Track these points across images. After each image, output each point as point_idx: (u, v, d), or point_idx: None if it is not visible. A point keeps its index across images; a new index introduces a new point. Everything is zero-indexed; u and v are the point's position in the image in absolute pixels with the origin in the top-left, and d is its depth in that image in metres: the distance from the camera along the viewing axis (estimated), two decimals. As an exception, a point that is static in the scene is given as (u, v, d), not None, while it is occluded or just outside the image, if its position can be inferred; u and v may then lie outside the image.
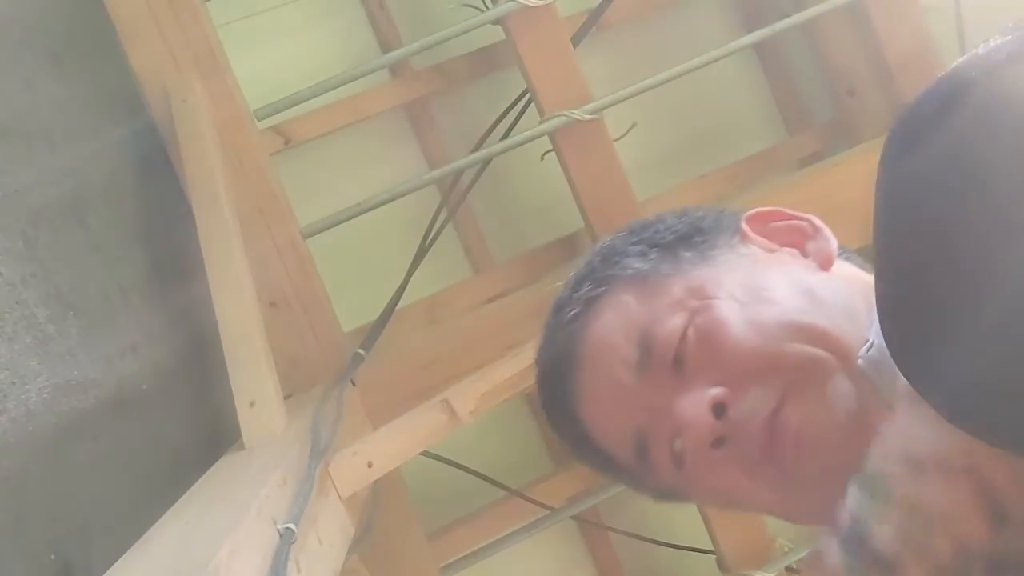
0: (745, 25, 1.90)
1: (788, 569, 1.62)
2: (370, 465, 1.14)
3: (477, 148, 1.66)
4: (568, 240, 1.79)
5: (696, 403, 0.63)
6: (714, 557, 1.60)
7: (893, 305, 0.43)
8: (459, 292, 1.75)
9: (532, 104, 1.55)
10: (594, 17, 1.69)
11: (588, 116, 1.47)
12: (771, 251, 0.70)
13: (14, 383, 0.76)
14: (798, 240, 0.71)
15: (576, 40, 1.63)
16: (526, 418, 1.79)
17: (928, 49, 1.64)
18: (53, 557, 0.75)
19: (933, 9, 1.67)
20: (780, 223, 0.73)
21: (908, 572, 0.44)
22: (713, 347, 0.64)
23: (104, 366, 0.95)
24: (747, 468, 0.64)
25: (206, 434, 1.18)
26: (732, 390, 0.63)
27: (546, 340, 0.76)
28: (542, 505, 1.61)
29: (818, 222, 0.73)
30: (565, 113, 1.47)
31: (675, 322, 0.66)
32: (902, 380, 0.55)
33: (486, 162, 1.65)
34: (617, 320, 0.69)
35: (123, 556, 0.79)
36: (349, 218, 1.47)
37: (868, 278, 0.69)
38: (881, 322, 0.44)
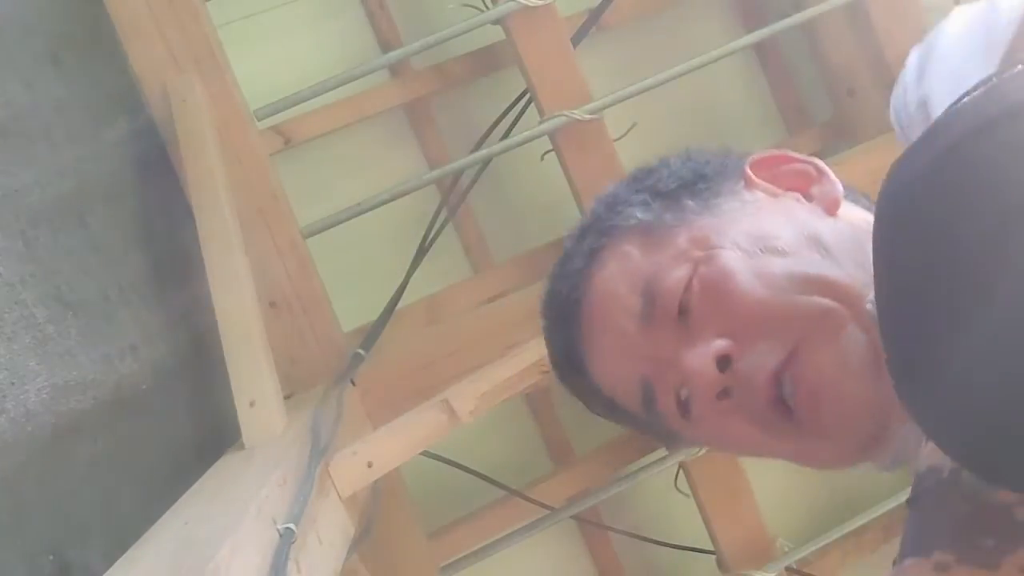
0: (745, 25, 1.90)
1: (788, 569, 1.61)
2: (370, 465, 1.14)
3: (477, 148, 1.66)
4: (568, 240, 1.78)
5: (701, 355, 0.63)
6: (714, 557, 1.60)
7: (892, 329, 0.43)
8: (459, 292, 1.74)
9: (532, 104, 1.55)
10: (594, 17, 1.69)
11: (588, 116, 1.47)
12: (776, 196, 0.69)
13: (13, 383, 0.76)
14: (803, 184, 0.71)
15: (576, 40, 1.63)
16: (526, 418, 1.79)
17: (928, 49, 1.64)
18: (51, 557, 0.75)
19: (933, 9, 1.67)
20: (784, 167, 0.72)
21: None
22: (718, 299, 0.63)
23: (104, 366, 0.95)
24: (755, 418, 0.63)
25: (206, 434, 1.17)
26: (738, 342, 0.62)
27: (551, 292, 0.76)
28: (542, 505, 1.61)
29: (822, 165, 0.72)
30: (565, 113, 1.47)
31: (679, 273, 0.65)
32: None
33: (486, 162, 1.65)
34: (621, 271, 0.69)
35: (123, 556, 0.79)
36: (349, 218, 1.47)
37: None
38: (883, 342, 0.43)
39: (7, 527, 0.72)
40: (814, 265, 0.62)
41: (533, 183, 1.78)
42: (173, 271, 1.25)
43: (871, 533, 1.63)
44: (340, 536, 1.07)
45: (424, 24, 1.72)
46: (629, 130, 1.62)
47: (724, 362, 0.62)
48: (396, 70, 1.75)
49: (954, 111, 0.41)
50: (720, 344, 0.62)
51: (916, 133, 0.52)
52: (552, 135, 1.50)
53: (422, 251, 1.65)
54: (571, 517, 1.68)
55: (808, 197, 0.70)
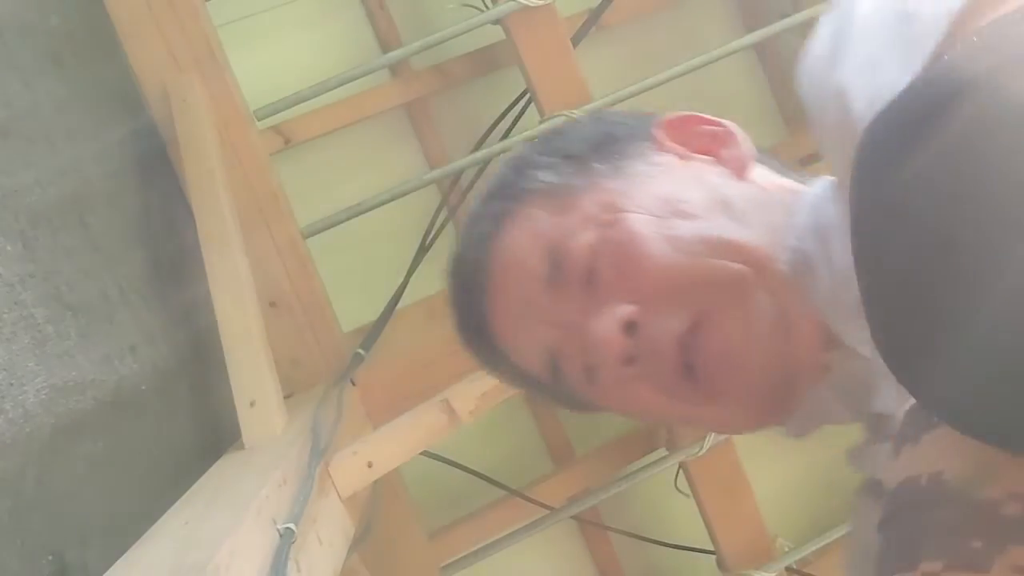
0: (745, 25, 1.90)
1: (788, 569, 1.61)
2: (370, 465, 1.14)
3: (477, 148, 1.66)
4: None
5: (607, 321, 0.61)
6: (714, 557, 1.60)
7: (888, 317, 0.42)
8: (459, 292, 1.74)
9: (532, 104, 1.55)
10: (594, 17, 1.69)
11: (588, 116, 1.47)
12: (686, 159, 0.68)
13: (12, 384, 0.76)
14: (713, 147, 0.69)
15: (576, 40, 1.63)
16: (526, 418, 1.79)
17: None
18: (50, 558, 0.75)
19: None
20: (695, 129, 0.71)
21: None
22: (625, 263, 0.62)
23: (103, 366, 0.95)
24: (662, 384, 0.62)
25: (206, 434, 1.17)
26: (644, 308, 0.61)
27: (457, 257, 0.74)
28: (542, 505, 1.61)
29: (732, 126, 0.71)
30: (565, 113, 1.47)
31: (586, 237, 0.64)
32: (838, 290, 0.54)
33: (486, 162, 1.65)
34: (527, 235, 0.67)
35: (123, 556, 0.79)
36: (349, 218, 1.47)
37: (786, 183, 0.68)
38: (874, 334, 0.42)
39: (6, 528, 0.72)
40: (723, 229, 0.61)
41: (533, 183, 1.78)
42: (173, 271, 1.25)
43: (871, 533, 1.63)
44: (340, 536, 1.07)
45: (424, 24, 1.73)
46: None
47: (630, 328, 0.61)
48: (396, 70, 1.75)
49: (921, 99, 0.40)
50: (626, 310, 0.61)
51: (831, 121, 0.52)
52: (552, 135, 1.50)
53: (422, 251, 1.65)
54: (571, 517, 1.68)
55: (719, 160, 0.68)
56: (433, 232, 1.66)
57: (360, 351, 1.39)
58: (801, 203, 0.64)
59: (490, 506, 1.65)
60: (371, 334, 1.47)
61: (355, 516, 1.16)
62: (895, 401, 0.61)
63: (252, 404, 1.11)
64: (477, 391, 1.20)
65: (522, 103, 1.66)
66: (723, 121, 0.71)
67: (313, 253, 1.41)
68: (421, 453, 1.28)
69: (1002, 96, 0.36)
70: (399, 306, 1.57)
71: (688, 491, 1.59)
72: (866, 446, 0.66)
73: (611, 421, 1.74)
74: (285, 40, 1.70)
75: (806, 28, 1.80)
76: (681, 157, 0.68)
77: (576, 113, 1.47)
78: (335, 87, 1.50)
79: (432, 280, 1.74)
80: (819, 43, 0.59)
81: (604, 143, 0.69)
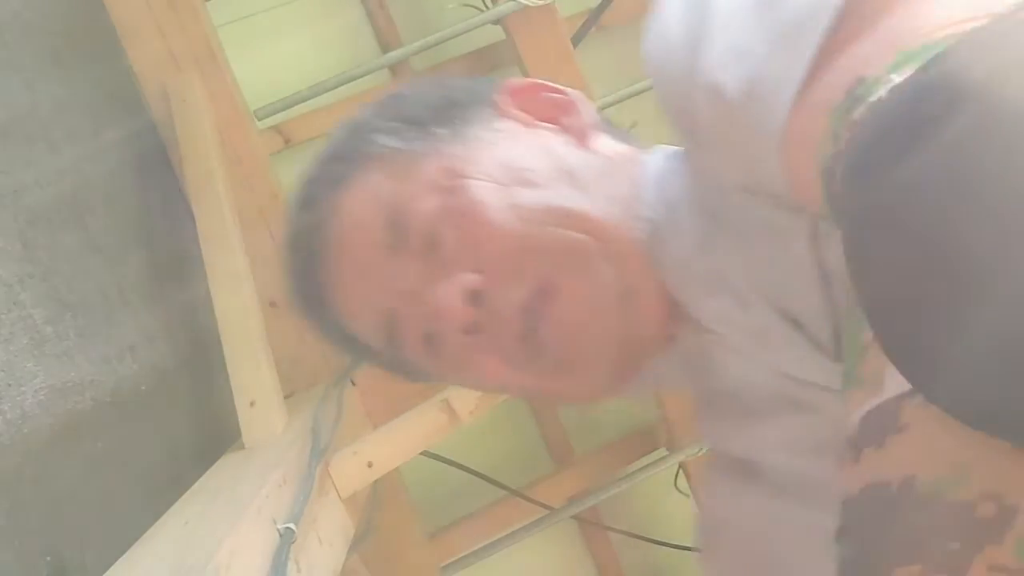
0: (745, 25, 1.89)
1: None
2: (370, 465, 1.14)
3: (477, 148, 1.65)
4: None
5: (449, 289, 0.61)
6: (714, 557, 1.59)
7: (890, 317, 0.41)
8: (459, 292, 1.74)
9: (532, 104, 1.55)
10: (594, 17, 1.69)
11: (588, 116, 1.47)
12: (529, 126, 0.68)
13: (10, 385, 0.76)
14: (556, 115, 0.69)
15: (576, 40, 1.63)
16: (526, 418, 1.79)
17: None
18: (49, 558, 0.75)
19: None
20: (538, 96, 0.71)
21: None
22: (468, 231, 0.61)
23: (102, 367, 0.95)
24: (504, 354, 0.62)
25: (206, 434, 1.17)
26: (487, 276, 0.61)
27: (293, 222, 0.73)
28: (542, 505, 1.61)
29: (575, 94, 0.71)
30: (565, 113, 1.47)
31: (428, 204, 0.63)
32: (690, 256, 0.54)
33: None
34: (367, 201, 0.66)
35: (123, 556, 0.79)
36: (349, 218, 1.47)
37: (628, 151, 0.69)
38: (875, 333, 0.42)
39: (4, 528, 0.72)
40: (566, 198, 0.61)
41: (533, 183, 1.78)
42: (173, 271, 1.25)
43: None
44: (340, 536, 1.07)
45: (424, 24, 1.72)
46: (629, 130, 1.62)
47: (474, 297, 0.61)
48: (396, 70, 1.74)
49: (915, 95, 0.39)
50: (469, 278, 0.61)
51: (706, 117, 0.51)
52: (552, 135, 1.50)
53: (422, 251, 1.64)
54: (571, 517, 1.68)
55: (562, 128, 0.68)
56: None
57: (360, 351, 1.39)
58: (646, 174, 0.64)
59: (490, 506, 1.65)
60: (371, 334, 1.47)
61: (355, 516, 1.16)
62: (739, 381, 0.61)
63: (252, 404, 1.11)
64: (477, 391, 1.20)
65: (522, 103, 1.66)
66: (566, 89, 0.71)
67: (313, 253, 1.41)
68: (421, 453, 1.28)
69: (1001, 97, 0.36)
70: (399, 306, 1.57)
71: (688, 491, 1.59)
72: (707, 423, 0.66)
73: (611, 421, 1.74)
74: (285, 40, 1.70)
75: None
76: (524, 124, 0.68)
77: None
78: (335, 87, 1.50)
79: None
80: (671, 29, 0.58)
81: (445, 108, 0.68)
